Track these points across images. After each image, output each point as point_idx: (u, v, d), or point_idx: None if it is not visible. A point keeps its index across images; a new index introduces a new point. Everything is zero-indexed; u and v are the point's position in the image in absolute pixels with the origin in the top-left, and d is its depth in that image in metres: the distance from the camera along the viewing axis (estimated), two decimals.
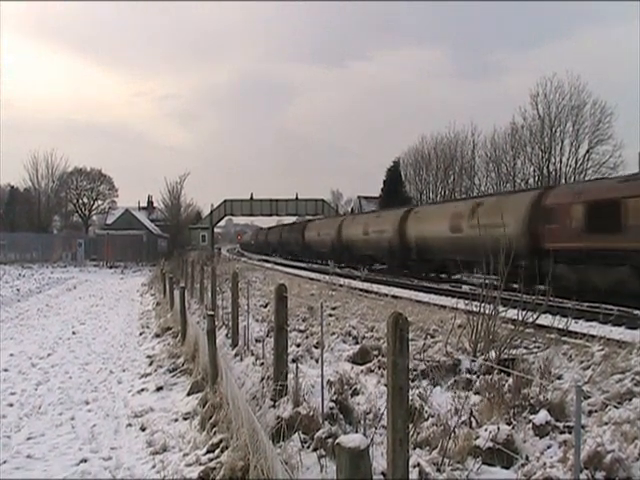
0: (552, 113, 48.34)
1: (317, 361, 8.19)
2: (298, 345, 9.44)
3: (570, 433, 5.03)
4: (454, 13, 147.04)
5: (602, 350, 8.01)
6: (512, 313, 8.18)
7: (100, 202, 74.91)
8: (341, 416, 5.84)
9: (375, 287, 22.00)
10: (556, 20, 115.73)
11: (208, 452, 5.57)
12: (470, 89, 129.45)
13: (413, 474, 4.34)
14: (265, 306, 15.38)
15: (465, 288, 19.90)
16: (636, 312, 14.43)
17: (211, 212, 64.74)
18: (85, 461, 6.02)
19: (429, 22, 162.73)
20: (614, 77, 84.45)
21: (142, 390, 8.93)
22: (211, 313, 8.43)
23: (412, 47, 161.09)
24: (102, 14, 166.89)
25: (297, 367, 6.65)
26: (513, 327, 7.87)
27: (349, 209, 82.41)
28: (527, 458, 4.76)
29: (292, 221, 72.34)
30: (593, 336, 9.47)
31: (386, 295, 18.14)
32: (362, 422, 5.52)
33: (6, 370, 10.35)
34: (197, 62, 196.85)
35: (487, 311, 7.88)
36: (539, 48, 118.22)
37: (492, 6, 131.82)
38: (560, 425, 5.28)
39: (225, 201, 65.00)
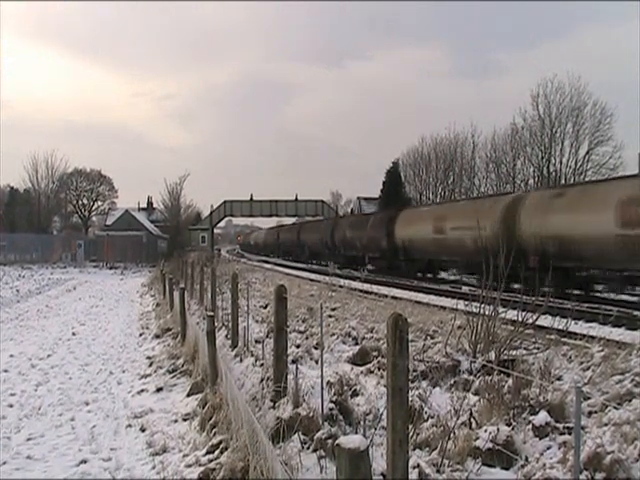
0: (552, 114, 48.41)
1: (317, 362, 8.19)
2: (298, 346, 9.44)
3: (570, 434, 5.03)
4: (454, 12, 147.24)
5: (602, 351, 8.01)
6: (512, 314, 8.18)
7: (100, 203, 75.06)
8: (341, 417, 5.84)
9: (375, 288, 21.98)
10: (556, 20, 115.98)
11: (208, 453, 5.57)
12: (470, 89, 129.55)
13: (413, 475, 4.34)
14: (265, 307, 15.38)
15: (465, 289, 19.90)
16: (636, 313, 14.44)
17: (211, 213, 64.72)
18: (85, 462, 6.02)
19: (429, 21, 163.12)
20: (614, 77, 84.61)
21: (142, 391, 8.93)
22: (211, 314, 8.43)
23: (412, 47, 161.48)
24: (102, 14, 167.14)
25: (297, 368, 6.64)
26: (513, 328, 7.87)
27: (349, 210, 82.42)
28: (527, 459, 4.76)
29: (352, 213, 56.78)
30: (593, 337, 9.46)
31: (386, 296, 18.13)
32: (362, 423, 5.53)
33: (6, 371, 10.35)
34: (197, 62, 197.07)
35: (487, 312, 7.88)
36: (539, 48, 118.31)
37: (492, 5, 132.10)
38: (560, 426, 5.28)
39: (225, 202, 64.98)
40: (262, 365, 8.18)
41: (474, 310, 8.08)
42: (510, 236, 19.62)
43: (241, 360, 9.30)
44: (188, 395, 8.15)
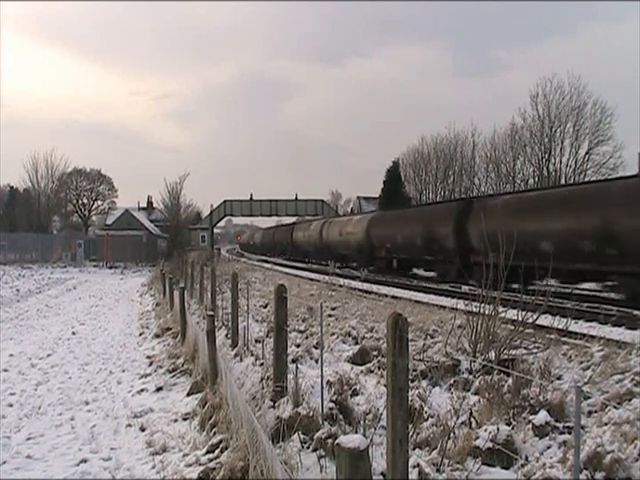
0: (552, 113, 48.46)
1: (317, 361, 8.19)
2: (298, 345, 9.44)
3: (570, 433, 5.03)
4: (454, 10, 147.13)
5: (602, 350, 8.00)
6: (512, 313, 8.18)
7: (100, 202, 75.08)
8: (341, 416, 5.84)
9: (375, 287, 21.99)
10: (557, 18, 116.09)
11: (208, 452, 5.57)
12: (470, 87, 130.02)
13: (413, 474, 4.33)
14: (265, 306, 15.38)
15: (465, 288, 19.89)
16: (636, 312, 14.43)
17: (211, 212, 64.75)
18: (85, 461, 6.02)
19: (429, 20, 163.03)
20: (614, 76, 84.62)
21: (142, 390, 8.93)
22: (211, 313, 8.44)
23: (412, 45, 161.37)
24: (102, 13, 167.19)
25: (297, 367, 6.65)
26: (513, 327, 7.87)
27: (349, 209, 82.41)
28: (527, 458, 4.76)
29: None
30: (593, 336, 9.46)
31: (386, 295, 18.13)
32: (362, 422, 5.52)
33: (6, 370, 10.35)
34: (196, 61, 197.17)
35: (487, 311, 7.88)
36: (540, 46, 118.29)
37: (492, 4, 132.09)
38: (560, 425, 5.28)
39: (225, 201, 65.02)
40: (262, 364, 8.18)
41: (474, 309, 8.08)
42: None
43: (241, 359, 9.30)
44: (188, 394, 8.15)
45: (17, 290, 27.00)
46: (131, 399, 8.49)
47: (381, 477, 4.44)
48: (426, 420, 5.63)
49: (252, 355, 9.18)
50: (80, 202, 73.36)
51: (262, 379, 7.42)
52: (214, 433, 6.02)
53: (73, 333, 14.85)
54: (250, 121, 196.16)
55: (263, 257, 62.80)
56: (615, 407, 5.37)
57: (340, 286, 21.46)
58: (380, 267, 32.42)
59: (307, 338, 10.26)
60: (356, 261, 35.75)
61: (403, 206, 44.02)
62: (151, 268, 44.16)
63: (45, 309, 20.46)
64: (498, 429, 4.93)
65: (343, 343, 9.83)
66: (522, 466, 4.65)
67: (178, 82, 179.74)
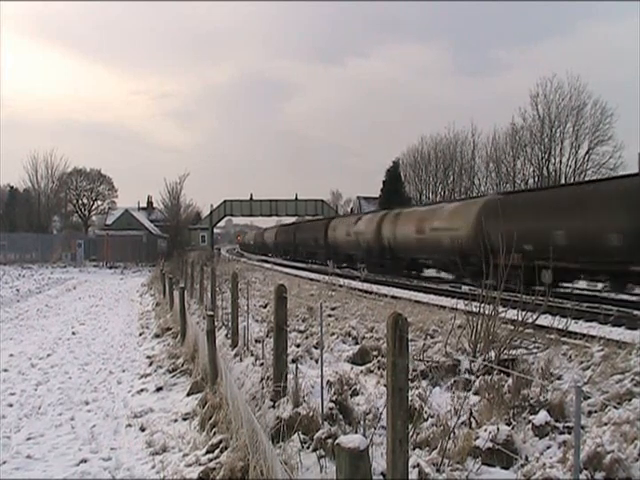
0: (552, 114, 48.46)
1: (317, 361, 8.19)
2: (298, 345, 9.43)
3: (570, 433, 5.03)
4: (454, 10, 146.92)
5: (602, 350, 8.00)
6: (512, 313, 8.18)
7: (100, 202, 75.02)
8: (341, 416, 5.84)
9: (375, 287, 21.99)
10: (557, 18, 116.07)
11: (208, 452, 5.57)
12: (470, 87, 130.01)
13: (413, 474, 4.33)
14: (265, 306, 15.38)
15: (465, 288, 19.89)
16: (636, 312, 14.43)
17: (211, 212, 64.75)
18: (85, 461, 6.02)
19: (429, 19, 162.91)
20: (615, 76, 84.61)
21: (142, 390, 8.93)
22: (211, 313, 8.44)
23: (411, 44, 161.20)
24: (102, 14, 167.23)
25: (297, 367, 6.64)
26: (513, 327, 7.87)
27: (349, 209, 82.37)
28: (527, 458, 4.76)
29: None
30: (593, 336, 9.46)
31: (385, 295, 18.13)
32: (362, 422, 5.52)
33: (6, 370, 10.35)
34: (196, 61, 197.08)
35: (487, 311, 7.87)
36: (540, 46, 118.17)
37: (492, 4, 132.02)
38: (560, 425, 5.28)
39: (225, 201, 65.02)
40: (262, 364, 8.18)
41: (474, 309, 8.07)
42: None
43: (241, 359, 9.30)
44: (188, 394, 8.15)
45: (17, 290, 27.00)
46: (131, 399, 8.49)
47: (381, 477, 4.43)
48: (426, 420, 5.63)
49: (252, 355, 9.18)
50: (80, 202, 73.35)
51: (262, 379, 7.42)
52: (214, 433, 6.02)
53: (73, 333, 14.85)
54: (250, 121, 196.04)
55: (273, 259, 55.28)
56: (615, 407, 5.37)
57: (340, 286, 21.46)
58: (511, 280, 15.69)
59: (307, 338, 10.26)
60: (450, 270, 24.51)
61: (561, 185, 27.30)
62: (151, 268, 44.15)
63: (45, 309, 20.45)
64: (498, 429, 4.93)
65: (343, 343, 9.83)
66: (522, 466, 4.65)
67: (178, 82, 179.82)
